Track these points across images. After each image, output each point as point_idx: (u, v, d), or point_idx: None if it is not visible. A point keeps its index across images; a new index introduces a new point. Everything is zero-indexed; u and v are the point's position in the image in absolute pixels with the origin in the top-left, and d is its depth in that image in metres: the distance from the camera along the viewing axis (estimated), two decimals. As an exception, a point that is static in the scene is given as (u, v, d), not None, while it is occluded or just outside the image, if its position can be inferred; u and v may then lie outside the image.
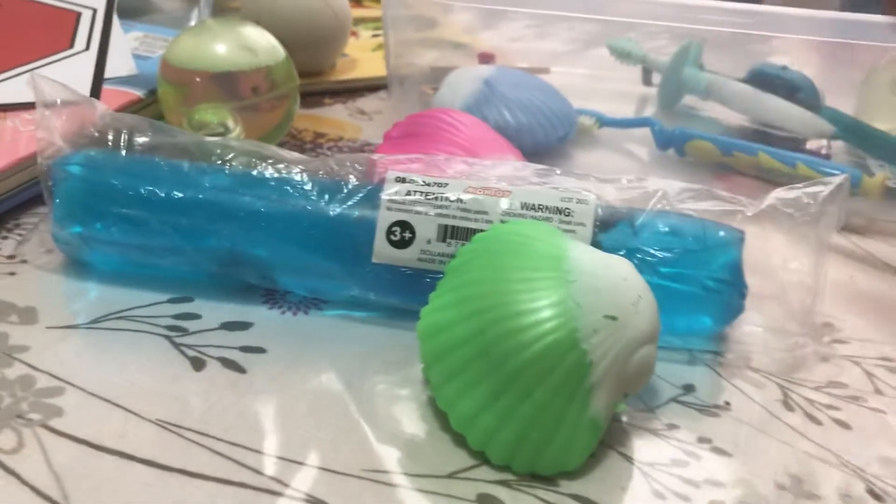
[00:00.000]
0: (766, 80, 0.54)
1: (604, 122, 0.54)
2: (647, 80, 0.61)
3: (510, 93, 0.49)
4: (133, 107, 0.48)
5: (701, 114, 0.57)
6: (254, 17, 0.56)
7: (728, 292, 0.33)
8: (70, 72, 0.48)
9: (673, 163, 0.51)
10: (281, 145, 0.50)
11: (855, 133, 0.50)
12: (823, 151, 0.50)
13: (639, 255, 0.33)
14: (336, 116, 0.57)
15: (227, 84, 0.46)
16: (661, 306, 0.33)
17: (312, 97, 0.60)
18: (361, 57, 0.67)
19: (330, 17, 0.59)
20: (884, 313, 0.38)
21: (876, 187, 0.45)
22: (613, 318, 0.27)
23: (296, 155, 0.36)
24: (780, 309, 0.34)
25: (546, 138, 0.49)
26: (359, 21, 0.77)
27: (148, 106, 0.49)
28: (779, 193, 0.34)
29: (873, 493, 0.27)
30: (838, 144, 0.51)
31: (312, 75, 0.61)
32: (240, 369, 0.31)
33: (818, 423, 0.31)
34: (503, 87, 0.49)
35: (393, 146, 0.41)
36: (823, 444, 0.30)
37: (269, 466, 0.27)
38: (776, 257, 0.34)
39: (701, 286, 0.33)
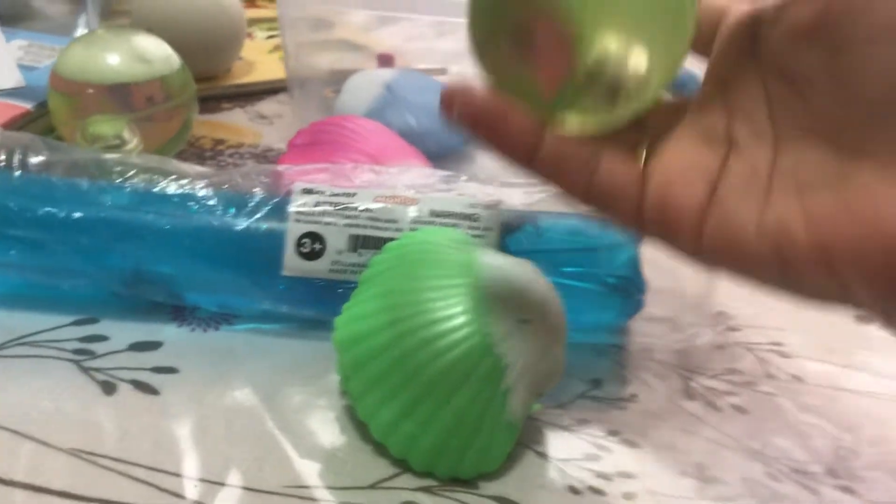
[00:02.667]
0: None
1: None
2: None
3: (412, 97, 0.49)
4: (22, 120, 0.46)
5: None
6: (144, 23, 0.55)
7: (629, 288, 0.35)
8: (-51, 85, 0.46)
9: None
10: (180, 154, 0.50)
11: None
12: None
13: (543, 257, 0.34)
14: (235, 122, 0.56)
15: (122, 95, 0.45)
16: (566, 304, 0.34)
17: (209, 102, 0.58)
18: (258, 59, 0.66)
19: (224, 20, 0.58)
20: (771, 300, 0.40)
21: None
22: (525, 321, 0.28)
23: (200, 168, 0.36)
24: (677, 301, 0.36)
25: (450, 141, 0.50)
26: (253, 22, 0.75)
27: (38, 119, 0.47)
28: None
29: (771, 476, 0.29)
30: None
31: (208, 80, 0.60)
32: (153, 391, 0.31)
33: (718, 409, 0.32)
34: (405, 91, 0.50)
35: (298, 155, 0.41)
36: (723, 430, 0.31)
37: (191, 489, 0.27)
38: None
39: (602, 284, 0.35)
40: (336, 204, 0.34)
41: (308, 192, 0.34)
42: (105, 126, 0.44)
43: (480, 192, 0.36)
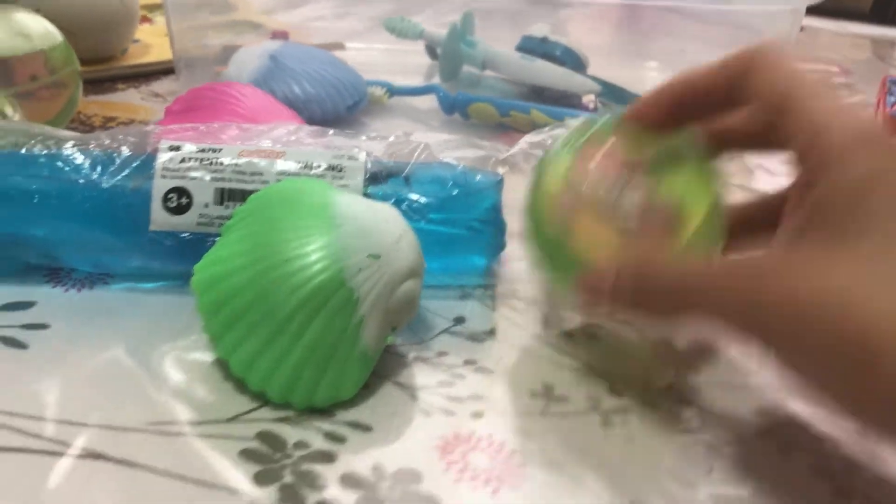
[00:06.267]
0: (535, 48, 0.58)
1: (393, 91, 0.56)
2: (432, 55, 0.64)
3: (297, 66, 0.50)
4: None
5: (485, 78, 0.60)
6: (33, 5, 0.55)
7: (490, 232, 0.36)
8: None
9: (459, 126, 0.54)
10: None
11: (613, 93, 0.55)
12: (591, 106, 0.54)
13: (410, 204, 0.35)
14: (128, 100, 0.57)
15: (2, 71, 0.45)
16: (434, 249, 0.35)
17: (103, 84, 0.59)
18: (155, 42, 0.66)
19: (115, 2, 0.58)
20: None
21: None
22: (377, 257, 0.30)
23: (67, 132, 0.36)
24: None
25: (335, 107, 0.51)
26: (154, 8, 0.76)
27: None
28: (528, 138, 0.37)
29: (615, 391, 0.31)
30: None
31: (102, 62, 0.60)
32: (21, 345, 0.32)
33: (572, 336, 0.34)
34: (289, 60, 0.50)
35: (174, 120, 0.41)
36: (577, 356, 0.33)
37: (50, 430, 0.28)
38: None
39: (467, 228, 0.36)
40: (202, 159, 0.35)
41: (174, 148, 0.35)
42: (-15, 101, 0.44)
43: (347, 145, 0.37)
